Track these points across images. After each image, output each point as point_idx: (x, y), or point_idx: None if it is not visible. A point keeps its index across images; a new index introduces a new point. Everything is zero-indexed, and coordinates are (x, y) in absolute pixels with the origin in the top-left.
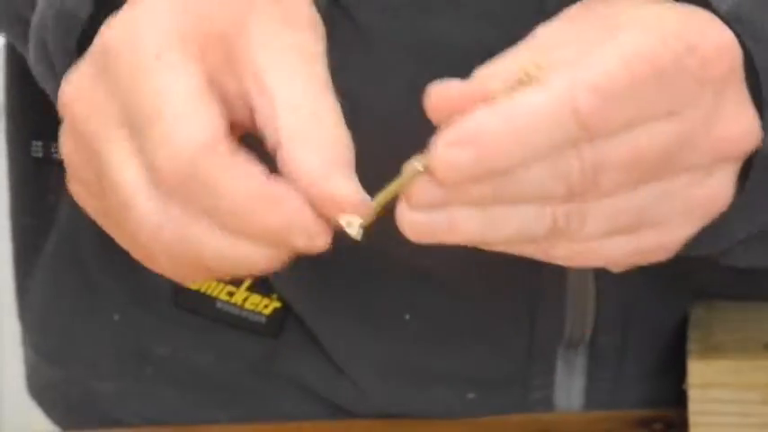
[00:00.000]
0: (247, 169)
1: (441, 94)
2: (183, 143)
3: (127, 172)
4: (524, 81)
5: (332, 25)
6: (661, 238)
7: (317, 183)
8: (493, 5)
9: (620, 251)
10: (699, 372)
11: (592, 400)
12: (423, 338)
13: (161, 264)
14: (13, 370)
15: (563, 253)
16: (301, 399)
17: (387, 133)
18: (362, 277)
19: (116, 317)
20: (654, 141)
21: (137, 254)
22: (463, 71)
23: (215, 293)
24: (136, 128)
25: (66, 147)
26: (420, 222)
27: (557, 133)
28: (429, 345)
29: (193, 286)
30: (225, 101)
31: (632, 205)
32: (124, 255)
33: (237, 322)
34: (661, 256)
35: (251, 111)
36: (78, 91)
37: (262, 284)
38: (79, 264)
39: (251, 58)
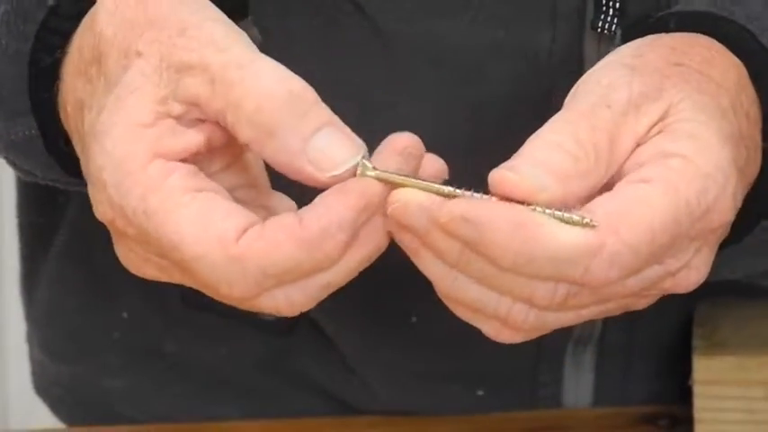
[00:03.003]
0: (282, 235)
1: (507, 183)
2: (223, 272)
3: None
4: (574, 221)
5: (355, 31)
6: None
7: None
8: (505, 10)
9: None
10: (704, 368)
11: (600, 397)
12: (431, 339)
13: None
14: (19, 367)
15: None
16: (311, 396)
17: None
18: (372, 279)
19: (125, 314)
20: (627, 287)
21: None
22: (474, 76)
23: None
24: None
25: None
26: (404, 214)
27: (563, 272)
28: (437, 345)
29: None
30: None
31: (593, 313)
32: None
33: (247, 320)
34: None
35: (224, 131)
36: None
37: None
38: (88, 262)
39: (187, 99)
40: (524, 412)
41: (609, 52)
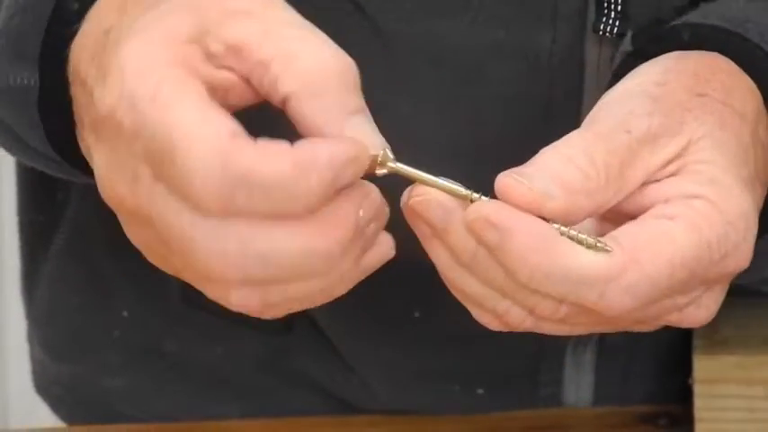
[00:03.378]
0: (274, 148)
1: (512, 191)
2: (206, 161)
3: (174, 218)
4: (588, 244)
5: (355, 31)
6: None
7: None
8: (505, 10)
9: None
10: (704, 367)
11: (600, 396)
12: (432, 337)
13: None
14: (20, 366)
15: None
16: (310, 395)
17: (404, 134)
18: (373, 276)
19: (125, 313)
20: (631, 317)
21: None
22: (474, 77)
23: None
24: (165, 176)
25: (131, 234)
26: (419, 209)
27: (578, 293)
28: (438, 343)
29: None
30: (217, 93)
31: (589, 329)
32: (133, 251)
33: (246, 319)
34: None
35: (244, 91)
36: (109, 181)
37: None
38: (88, 260)
39: (232, 40)
40: (524, 412)
41: (609, 55)
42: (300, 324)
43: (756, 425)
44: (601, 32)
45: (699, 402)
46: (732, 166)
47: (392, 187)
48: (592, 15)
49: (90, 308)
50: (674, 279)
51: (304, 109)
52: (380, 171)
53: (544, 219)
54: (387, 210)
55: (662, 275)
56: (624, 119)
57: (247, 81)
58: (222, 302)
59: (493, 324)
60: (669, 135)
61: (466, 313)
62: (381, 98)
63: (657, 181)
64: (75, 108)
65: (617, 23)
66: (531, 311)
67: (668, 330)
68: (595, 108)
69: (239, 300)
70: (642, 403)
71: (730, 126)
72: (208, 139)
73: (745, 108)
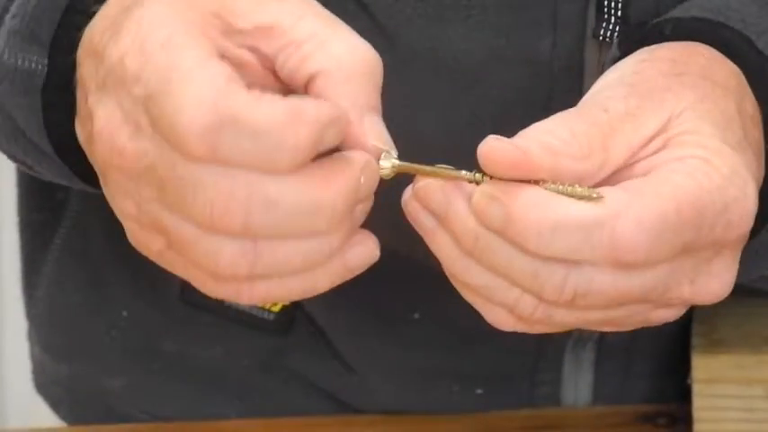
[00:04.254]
0: (268, 96)
1: (496, 151)
2: (198, 99)
3: (180, 166)
4: (579, 194)
5: (360, 33)
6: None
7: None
8: (506, 16)
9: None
10: (703, 367)
11: (599, 396)
12: (431, 337)
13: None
14: (19, 365)
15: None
16: (309, 395)
17: (404, 138)
18: (373, 276)
19: (124, 313)
20: (639, 285)
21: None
22: (474, 82)
23: None
24: (156, 120)
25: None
26: (418, 208)
27: (590, 239)
28: (438, 343)
29: None
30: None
31: (602, 318)
32: (133, 251)
33: (245, 319)
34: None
35: (257, 73)
36: (110, 134)
37: None
38: (87, 260)
39: (263, 20)
40: (523, 411)
41: (610, 59)
42: (300, 324)
43: (755, 425)
44: (601, 38)
45: (698, 402)
46: (718, 131)
47: (390, 192)
48: (592, 21)
49: (90, 308)
50: (682, 216)
51: (331, 89)
52: (385, 165)
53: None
54: (373, 197)
55: (669, 208)
56: (601, 101)
57: (266, 66)
58: (211, 262)
59: (505, 321)
60: (649, 113)
61: (465, 314)
62: (382, 103)
63: (646, 158)
64: (78, 90)
65: (617, 29)
66: (539, 295)
67: (667, 329)
68: (578, 105)
69: (231, 256)
70: (641, 403)
71: (712, 98)
72: (203, 79)
73: (728, 82)
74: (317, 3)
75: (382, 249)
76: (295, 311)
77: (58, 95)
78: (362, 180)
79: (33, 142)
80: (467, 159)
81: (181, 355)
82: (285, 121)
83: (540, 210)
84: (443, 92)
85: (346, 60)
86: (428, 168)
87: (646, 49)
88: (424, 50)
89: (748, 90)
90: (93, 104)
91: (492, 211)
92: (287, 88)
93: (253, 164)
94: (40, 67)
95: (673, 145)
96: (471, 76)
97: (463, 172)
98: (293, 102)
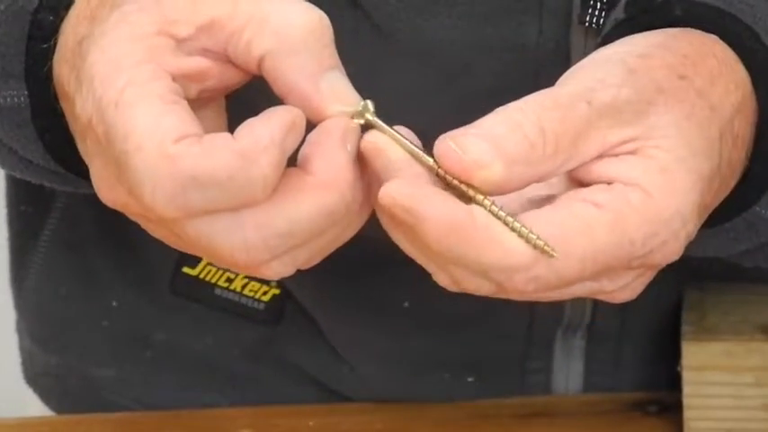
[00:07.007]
0: (217, 143)
1: (443, 155)
2: (152, 170)
3: (187, 224)
4: (527, 238)
5: (348, 23)
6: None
7: (309, 90)
8: (492, 4)
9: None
10: (693, 354)
11: (589, 383)
12: (422, 325)
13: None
14: (8, 356)
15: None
16: (300, 384)
17: (392, 125)
18: (363, 265)
19: (114, 303)
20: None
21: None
22: (461, 71)
23: (213, 280)
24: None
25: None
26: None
27: (487, 274)
28: (428, 331)
29: (192, 272)
30: (193, 80)
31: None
32: (122, 241)
33: (236, 309)
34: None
35: (222, 72)
36: (104, 188)
37: None
38: (77, 250)
39: (201, 20)
40: (514, 399)
41: (596, 46)
42: (290, 313)
43: (744, 412)
44: (587, 24)
45: (687, 389)
46: (691, 157)
47: None
48: (577, 8)
49: (79, 298)
50: (585, 273)
51: (279, 67)
52: (357, 121)
53: (477, 188)
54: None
55: (572, 272)
56: (590, 86)
57: (224, 60)
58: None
59: (451, 286)
60: (633, 112)
61: (456, 302)
62: (368, 92)
63: (615, 156)
64: (66, 119)
65: (603, 15)
66: (457, 284)
67: (657, 317)
68: (572, 68)
69: (275, 275)
70: (632, 390)
71: (697, 118)
72: (151, 148)
73: (722, 101)
74: None
75: (372, 239)
76: (285, 301)
77: (49, 120)
78: (349, 147)
79: (41, 167)
80: None
81: (171, 345)
82: (242, 162)
83: (450, 239)
84: (431, 80)
85: (286, 34)
86: (396, 135)
87: (666, 31)
88: (410, 40)
89: (748, 103)
90: (83, 152)
91: (404, 219)
92: (253, 74)
93: (230, 206)
94: (22, 99)
95: (642, 155)
96: (458, 65)
97: (429, 159)
98: (244, 138)
